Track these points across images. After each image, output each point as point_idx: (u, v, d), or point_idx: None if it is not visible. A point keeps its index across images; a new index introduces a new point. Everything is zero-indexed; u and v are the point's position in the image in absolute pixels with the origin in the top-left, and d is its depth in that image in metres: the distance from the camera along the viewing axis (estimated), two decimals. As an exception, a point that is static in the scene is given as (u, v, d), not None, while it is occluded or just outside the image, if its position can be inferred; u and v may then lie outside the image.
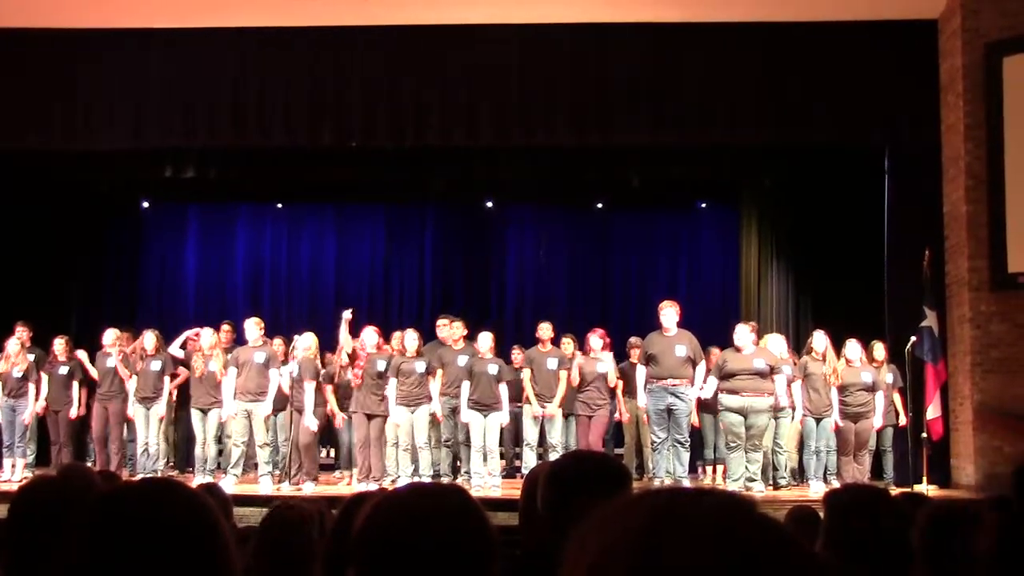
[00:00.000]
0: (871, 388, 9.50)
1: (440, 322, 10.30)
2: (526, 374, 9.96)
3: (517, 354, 10.96)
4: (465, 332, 9.96)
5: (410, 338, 9.78)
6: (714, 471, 10.59)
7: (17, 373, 10.47)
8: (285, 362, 9.96)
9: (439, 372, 9.70)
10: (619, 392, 10.58)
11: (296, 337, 9.86)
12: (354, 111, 10.85)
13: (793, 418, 9.71)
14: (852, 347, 9.57)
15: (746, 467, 9.15)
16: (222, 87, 10.88)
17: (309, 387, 9.56)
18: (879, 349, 9.85)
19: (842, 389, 9.47)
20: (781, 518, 2.92)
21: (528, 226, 15.06)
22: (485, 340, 9.76)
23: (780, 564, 0.78)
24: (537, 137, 10.83)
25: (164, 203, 14.65)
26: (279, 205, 14.91)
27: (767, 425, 9.29)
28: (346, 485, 9.87)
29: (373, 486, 8.62)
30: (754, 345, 9.36)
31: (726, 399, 9.29)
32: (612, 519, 0.85)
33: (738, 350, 9.33)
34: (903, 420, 9.84)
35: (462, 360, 9.71)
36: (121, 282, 14.55)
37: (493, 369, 9.61)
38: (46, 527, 1.97)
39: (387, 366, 9.60)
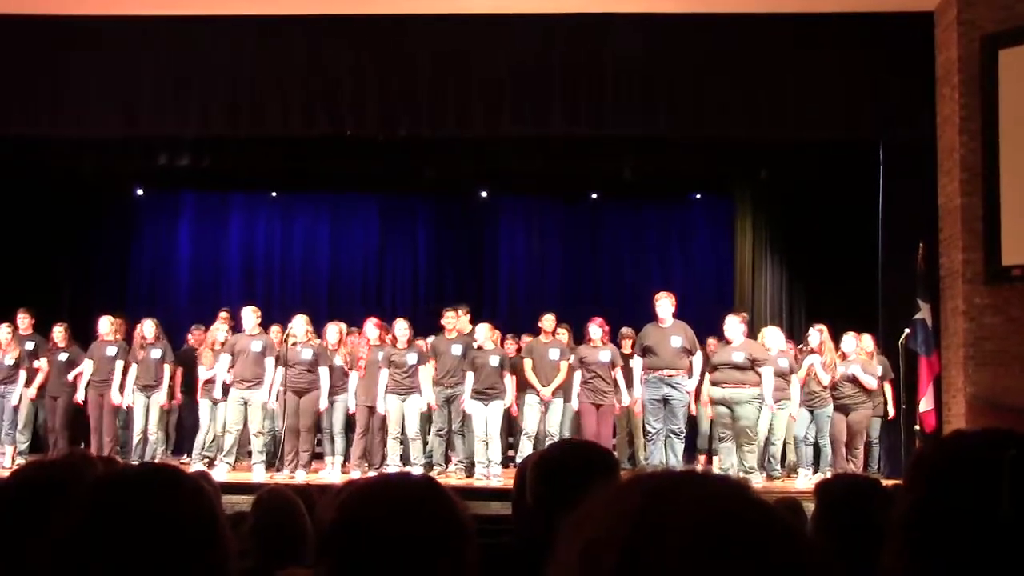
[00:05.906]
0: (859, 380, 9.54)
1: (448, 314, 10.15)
2: (527, 364, 9.96)
3: (511, 344, 10.96)
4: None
5: (400, 328, 9.79)
6: (707, 461, 10.60)
7: (9, 360, 10.45)
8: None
9: (431, 362, 9.73)
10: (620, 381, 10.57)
11: (290, 325, 9.96)
12: (348, 101, 10.80)
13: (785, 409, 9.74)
14: (848, 340, 9.65)
15: (742, 460, 9.15)
16: (217, 75, 10.81)
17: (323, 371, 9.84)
18: (867, 340, 9.86)
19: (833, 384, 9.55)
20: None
21: (521, 216, 15.05)
22: (482, 331, 9.80)
23: (771, 544, 0.77)
24: (530, 128, 10.79)
25: (158, 191, 14.61)
26: (273, 194, 14.88)
27: (756, 416, 9.28)
28: (342, 472, 9.89)
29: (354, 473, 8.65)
30: (743, 336, 9.39)
31: (711, 391, 9.37)
32: (605, 503, 0.84)
33: (728, 342, 9.37)
34: (891, 412, 9.88)
35: (456, 349, 9.72)
36: (114, 269, 14.53)
37: (495, 361, 9.65)
38: (43, 509, 1.97)
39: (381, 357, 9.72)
